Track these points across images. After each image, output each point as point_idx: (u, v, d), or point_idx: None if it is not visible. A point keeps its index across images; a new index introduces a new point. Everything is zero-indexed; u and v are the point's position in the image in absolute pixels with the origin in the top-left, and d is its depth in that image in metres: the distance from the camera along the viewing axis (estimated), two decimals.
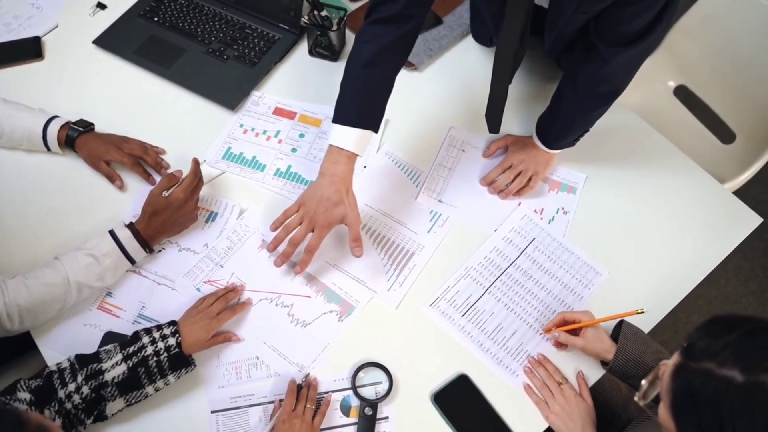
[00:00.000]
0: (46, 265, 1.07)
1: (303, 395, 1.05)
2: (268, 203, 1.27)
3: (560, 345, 1.14)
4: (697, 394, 0.66)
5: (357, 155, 1.12)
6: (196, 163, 1.17)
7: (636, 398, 0.77)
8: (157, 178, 1.28)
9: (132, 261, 1.13)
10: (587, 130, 1.26)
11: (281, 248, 1.14)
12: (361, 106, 1.12)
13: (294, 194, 1.28)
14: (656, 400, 0.75)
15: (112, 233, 1.11)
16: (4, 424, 0.65)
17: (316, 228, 1.11)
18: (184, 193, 1.13)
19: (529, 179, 1.28)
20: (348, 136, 1.10)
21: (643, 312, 1.07)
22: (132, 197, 1.26)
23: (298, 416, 1.02)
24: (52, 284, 1.04)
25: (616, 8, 0.99)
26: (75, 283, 1.06)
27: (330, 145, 1.12)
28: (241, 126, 1.36)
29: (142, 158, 1.27)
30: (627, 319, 1.10)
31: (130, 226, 1.12)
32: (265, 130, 1.36)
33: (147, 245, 1.13)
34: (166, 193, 1.14)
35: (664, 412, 0.71)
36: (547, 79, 1.45)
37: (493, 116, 1.28)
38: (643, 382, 0.76)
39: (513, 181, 1.28)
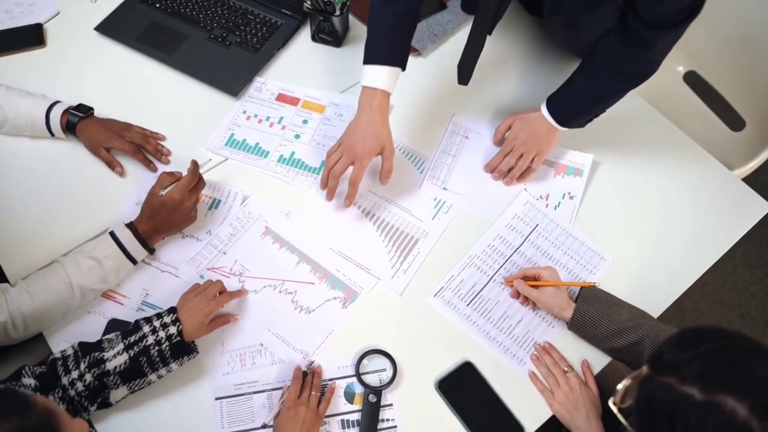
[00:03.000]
0: (47, 269, 1.06)
1: (308, 382, 1.05)
2: (271, 190, 1.26)
3: (519, 296, 1.16)
4: (656, 407, 0.67)
5: (389, 93, 1.16)
6: (194, 165, 1.14)
7: (610, 402, 0.76)
8: (159, 165, 1.27)
9: (134, 261, 1.11)
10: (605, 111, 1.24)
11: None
12: (386, 44, 1.15)
13: (297, 180, 1.27)
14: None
15: (112, 234, 1.09)
16: (11, 406, 0.65)
17: (356, 160, 1.15)
18: (180, 193, 1.11)
19: (532, 160, 1.26)
20: (379, 75, 1.14)
21: (594, 285, 1.12)
22: (137, 180, 1.26)
23: (303, 403, 1.01)
24: (55, 290, 1.04)
25: None
26: (78, 287, 1.05)
27: (363, 86, 1.16)
28: (244, 112, 1.35)
29: (143, 146, 1.26)
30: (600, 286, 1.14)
31: (130, 226, 1.11)
32: (269, 116, 1.35)
33: (146, 244, 1.12)
34: (163, 192, 1.12)
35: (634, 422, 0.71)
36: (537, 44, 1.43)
37: (466, 67, 1.27)
38: (619, 386, 0.75)
39: (516, 165, 1.26)
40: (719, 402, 0.62)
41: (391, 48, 1.15)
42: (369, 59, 1.15)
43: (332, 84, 1.39)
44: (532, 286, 1.13)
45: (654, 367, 0.69)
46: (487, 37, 1.23)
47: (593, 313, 1.09)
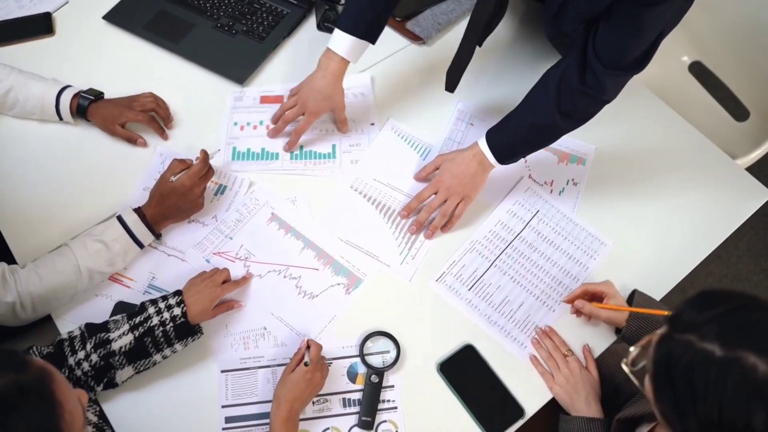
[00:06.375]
0: (56, 252, 1.08)
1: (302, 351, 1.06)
2: (278, 176, 1.27)
3: (580, 314, 1.13)
4: (675, 364, 0.67)
5: (348, 61, 1.20)
6: (204, 154, 1.16)
7: (623, 363, 0.77)
8: (169, 153, 1.28)
9: (140, 245, 1.13)
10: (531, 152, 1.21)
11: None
12: (360, 15, 1.17)
13: (318, 170, 1.28)
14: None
15: (119, 218, 1.11)
16: (7, 363, 0.66)
17: (306, 114, 1.24)
18: (191, 180, 1.13)
19: (456, 205, 1.20)
20: (344, 43, 1.18)
21: (668, 313, 1.08)
22: (144, 166, 1.27)
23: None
24: (63, 272, 1.05)
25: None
26: (86, 269, 1.06)
27: (327, 47, 1.21)
28: (236, 124, 1.33)
29: (155, 111, 1.28)
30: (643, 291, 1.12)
31: (137, 211, 1.13)
32: (261, 120, 1.34)
33: (153, 229, 1.14)
34: (173, 178, 1.13)
35: (648, 382, 0.72)
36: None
37: (453, 74, 1.28)
38: (632, 348, 0.76)
39: (438, 209, 1.20)
40: (739, 358, 0.62)
41: (362, 20, 1.17)
42: (340, 24, 1.19)
43: None
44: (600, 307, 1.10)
45: (673, 326, 0.69)
46: (492, 24, 1.23)
47: (647, 317, 1.07)
